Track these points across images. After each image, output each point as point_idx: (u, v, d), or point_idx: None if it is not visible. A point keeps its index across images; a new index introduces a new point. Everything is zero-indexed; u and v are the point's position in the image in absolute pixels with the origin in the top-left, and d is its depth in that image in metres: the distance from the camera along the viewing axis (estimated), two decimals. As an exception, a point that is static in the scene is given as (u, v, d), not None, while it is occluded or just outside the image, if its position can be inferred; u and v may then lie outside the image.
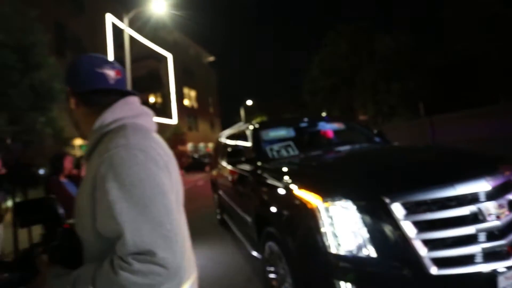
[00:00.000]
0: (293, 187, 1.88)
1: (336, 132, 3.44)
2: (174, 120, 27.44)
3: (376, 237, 1.47)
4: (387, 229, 1.47)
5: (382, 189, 1.55)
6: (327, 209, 1.57)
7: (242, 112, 32.11)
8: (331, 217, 1.55)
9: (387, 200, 1.48)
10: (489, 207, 1.56)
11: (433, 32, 15.35)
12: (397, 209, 1.47)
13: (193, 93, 33.87)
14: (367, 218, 1.49)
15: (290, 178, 2.04)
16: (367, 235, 1.47)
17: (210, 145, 33.94)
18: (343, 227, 1.52)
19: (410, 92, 14.08)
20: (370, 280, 1.46)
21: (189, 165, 21.90)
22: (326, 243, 1.53)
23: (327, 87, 19.32)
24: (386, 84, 15.18)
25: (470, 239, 1.51)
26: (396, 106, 15.08)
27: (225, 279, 3.10)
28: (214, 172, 5.39)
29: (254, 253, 2.83)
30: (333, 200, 1.57)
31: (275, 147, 2.93)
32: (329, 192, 1.63)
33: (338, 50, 18.60)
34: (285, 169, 2.30)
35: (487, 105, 8.87)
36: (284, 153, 2.87)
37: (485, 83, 12.87)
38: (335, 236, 1.52)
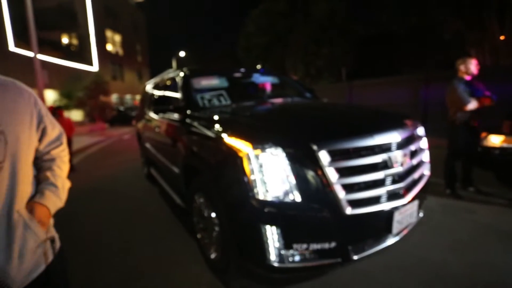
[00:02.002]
0: (224, 135, 1.80)
1: (269, 85, 3.40)
2: (94, 67, 23.94)
3: (302, 183, 1.52)
4: (312, 175, 1.53)
5: (310, 138, 1.58)
6: (256, 157, 1.54)
7: (174, 64, 29.74)
8: (260, 164, 1.53)
9: (315, 148, 1.52)
10: (397, 155, 1.76)
11: (363, 3, 16.17)
12: (323, 156, 1.53)
13: (117, 38, 29.60)
14: (295, 165, 1.52)
15: (220, 126, 1.94)
16: (293, 181, 1.51)
17: (138, 98, 31.11)
18: (272, 174, 1.52)
19: (336, 57, 15.04)
20: (294, 222, 1.53)
21: (114, 118, 19.91)
22: (255, 190, 1.53)
23: (262, 45, 19.13)
24: (317, 47, 15.79)
25: (379, 183, 1.70)
26: (323, 69, 16.00)
27: (149, 230, 3.00)
28: (140, 124, 4.95)
29: (183, 205, 2.76)
30: (263, 147, 1.55)
31: (207, 95, 2.75)
32: (259, 140, 1.59)
33: (275, 7, 18.18)
34: (216, 117, 2.18)
35: (396, 75, 10.10)
36: (215, 102, 2.72)
37: (397, 55, 14.57)
38: (264, 182, 1.53)
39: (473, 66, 3.33)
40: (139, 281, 2.19)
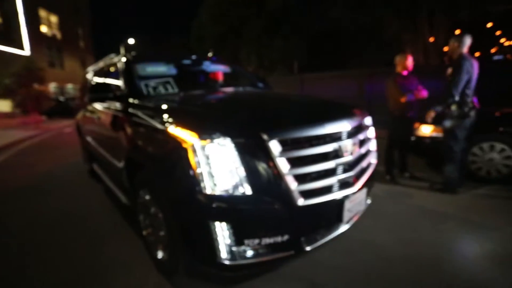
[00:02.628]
0: (168, 125, 1.63)
1: (221, 74, 3.25)
2: (26, 51, 21.12)
3: (252, 175, 1.44)
4: (263, 166, 1.45)
5: (261, 127, 1.50)
6: (203, 148, 1.41)
7: (122, 51, 27.59)
8: (207, 156, 1.41)
9: (265, 137, 1.45)
10: (347, 144, 1.77)
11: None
12: (274, 146, 1.46)
13: (54, 19, 26.37)
14: (245, 156, 1.43)
15: (165, 116, 1.76)
16: (243, 173, 1.42)
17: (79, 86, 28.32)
18: (220, 166, 1.41)
19: (289, 50, 15.35)
20: (245, 217, 1.45)
21: (52, 109, 17.86)
22: (202, 184, 1.41)
23: (215, 35, 18.67)
24: (270, 39, 15.92)
25: (330, 172, 1.69)
26: (276, 61, 16.23)
27: (91, 231, 2.70)
28: (80, 115, 4.44)
29: (127, 202, 2.52)
30: (210, 137, 1.42)
31: (152, 83, 2.52)
32: (206, 130, 1.47)
33: (228, -4, 17.79)
34: (160, 106, 1.98)
35: (343, 69, 10.71)
36: (161, 90, 2.50)
37: (345, 51, 15.46)
38: (211, 176, 1.41)
39: (409, 61, 3.61)
40: (80, 285, 1.94)
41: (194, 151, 1.42)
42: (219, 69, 3.19)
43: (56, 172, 5.04)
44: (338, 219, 1.78)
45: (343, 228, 1.85)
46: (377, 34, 13.22)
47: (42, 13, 24.61)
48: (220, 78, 3.15)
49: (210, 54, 3.33)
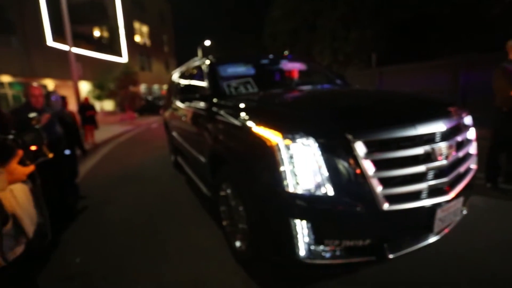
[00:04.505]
0: (252, 124, 1.72)
1: (298, 72, 3.25)
2: (124, 58, 24.72)
3: (335, 176, 1.42)
4: (347, 167, 1.42)
5: (345, 127, 1.46)
6: (287, 147, 1.45)
7: (200, 53, 29.96)
8: (291, 155, 1.44)
9: (350, 138, 1.41)
10: (442, 147, 1.59)
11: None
12: (359, 147, 1.41)
13: (145, 29, 30.24)
14: (328, 156, 1.42)
15: (248, 115, 1.86)
16: (326, 174, 1.41)
17: (165, 87, 31.76)
18: (303, 166, 1.43)
19: (366, 42, 14.16)
20: (325, 218, 1.45)
21: (143, 107, 20.57)
22: (284, 182, 1.45)
23: (288, 31, 18.55)
24: (346, 31, 14.98)
25: (420, 177, 1.55)
26: (351, 55, 15.18)
27: (176, 217, 3.05)
28: (167, 113, 5.01)
29: (209, 194, 2.76)
30: (294, 137, 1.45)
31: (233, 83, 2.68)
32: (290, 129, 1.50)
33: (302, -9, 17.46)
34: (243, 105, 2.10)
35: (431, 59, 9.30)
36: (242, 90, 2.64)
37: (434, 39, 13.45)
38: (294, 174, 1.44)
39: None
40: (165, 265, 2.22)
41: (278, 150, 1.47)
42: (296, 67, 3.20)
43: (147, 163, 5.81)
44: (427, 229, 1.62)
45: (432, 239, 1.68)
46: (476, 15, 11.20)
47: (136, 25, 28.40)
48: (297, 76, 3.16)
49: (286, 52, 3.36)
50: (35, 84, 3.09)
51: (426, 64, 8.76)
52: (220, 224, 2.47)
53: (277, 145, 1.47)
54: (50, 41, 16.91)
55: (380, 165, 1.44)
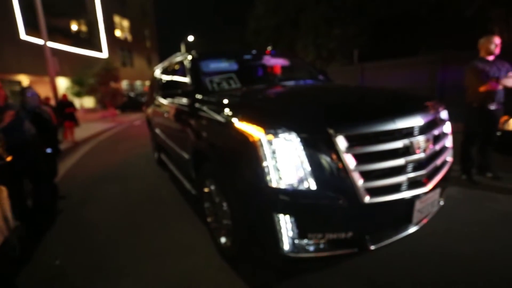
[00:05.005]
0: (234, 120, 1.71)
1: (280, 67, 3.25)
2: (104, 53, 23.94)
3: (317, 170, 1.43)
4: (329, 161, 1.43)
5: (327, 122, 1.48)
6: (269, 142, 1.45)
7: (183, 49, 29.45)
8: (273, 150, 1.45)
9: (332, 132, 1.42)
10: (420, 140, 1.64)
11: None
12: (341, 141, 1.43)
13: (125, 23, 29.36)
14: (310, 151, 1.43)
15: (231, 110, 1.84)
16: (308, 168, 1.42)
17: (148, 83, 31.04)
18: (285, 160, 1.44)
19: (348, 39, 14.41)
20: (309, 211, 1.46)
21: (124, 104, 20.06)
22: (267, 177, 1.45)
23: (271, 27, 18.57)
24: (329, 28, 15.17)
25: (399, 170, 1.59)
26: (334, 51, 15.41)
27: (160, 214, 3.00)
28: (150, 110, 4.91)
29: (193, 191, 2.73)
30: (276, 132, 1.45)
31: (216, 79, 2.65)
32: (272, 124, 1.50)
33: (285, -14, 17.49)
34: (226, 101, 2.08)
35: (410, 56, 9.56)
36: (225, 86, 2.62)
37: (412, 36, 13.84)
38: (277, 169, 1.44)
39: (495, 44, 3.11)
40: (150, 263, 2.19)
41: (260, 145, 1.46)
42: (279, 63, 3.20)
43: (130, 160, 5.68)
44: (406, 220, 1.68)
45: (412, 229, 1.73)
46: (453, 14, 11.60)
47: (117, 19, 27.51)
48: (280, 71, 3.16)
49: (269, 48, 3.35)
50: None
51: (406, 61, 8.98)
52: (204, 221, 2.46)
53: (260, 140, 1.47)
54: (23, 35, 16.10)
55: (361, 159, 1.47)
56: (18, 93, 4.64)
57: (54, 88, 9.67)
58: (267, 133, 1.46)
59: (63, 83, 17.89)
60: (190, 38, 30.40)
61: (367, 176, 1.48)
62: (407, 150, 1.61)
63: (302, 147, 1.43)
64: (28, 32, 16.11)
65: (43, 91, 10.51)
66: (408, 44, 13.75)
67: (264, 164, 1.46)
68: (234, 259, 2.06)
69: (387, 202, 1.54)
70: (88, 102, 21.03)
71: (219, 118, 1.91)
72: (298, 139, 1.43)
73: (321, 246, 1.52)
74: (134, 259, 2.27)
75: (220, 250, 2.19)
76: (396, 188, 1.59)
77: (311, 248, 1.51)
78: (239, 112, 1.76)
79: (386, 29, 14.43)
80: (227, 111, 1.87)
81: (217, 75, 2.71)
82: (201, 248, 2.33)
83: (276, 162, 1.44)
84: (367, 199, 1.47)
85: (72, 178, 4.78)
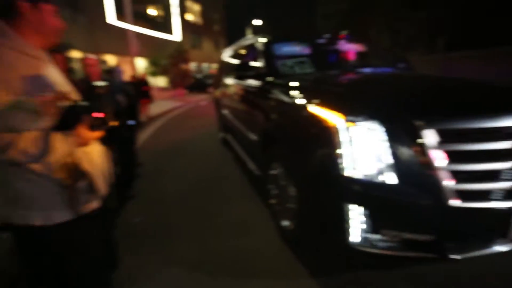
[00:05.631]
0: (310, 104, 1.67)
1: (356, 53, 3.05)
2: (176, 36, 25.58)
3: (399, 163, 1.33)
4: (414, 156, 1.32)
5: (416, 113, 1.35)
6: (348, 129, 1.39)
7: (249, 33, 29.75)
8: (351, 138, 1.38)
9: (421, 125, 1.29)
10: (529, 143, 1.39)
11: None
12: (431, 135, 1.29)
13: (197, 8, 30.76)
14: (393, 142, 1.33)
15: (306, 95, 1.81)
16: (389, 160, 1.33)
17: (214, 66, 32.46)
18: (364, 150, 1.36)
19: (433, 23, 12.60)
20: (386, 206, 1.38)
21: (192, 85, 21.35)
22: (341, 166, 1.40)
23: (343, 11, 17.39)
24: (411, 10, 13.48)
25: (498, 175, 1.38)
26: (414, 38, 13.69)
27: (223, 192, 3.17)
28: (218, 92, 5.13)
29: (256, 172, 2.81)
30: (357, 119, 1.38)
31: (289, 62, 2.61)
32: (353, 111, 1.42)
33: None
34: (300, 85, 2.04)
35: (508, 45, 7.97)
36: (298, 70, 2.57)
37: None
38: (353, 158, 1.38)
39: None
40: (214, 234, 2.35)
41: (338, 132, 1.41)
42: (354, 48, 3.01)
43: (197, 137, 6.09)
44: (500, 234, 1.46)
45: (506, 247, 1.50)
46: None
47: (188, 3, 28.94)
48: (355, 57, 2.97)
49: (344, 33, 3.16)
50: (90, 55, 3.27)
51: (504, 50, 7.61)
52: (266, 202, 2.52)
53: (338, 127, 1.42)
54: (111, 19, 18.10)
55: (452, 156, 1.31)
56: (106, 71, 5.32)
57: (133, 67, 10.76)
58: (347, 120, 1.40)
59: (141, 64, 19.77)
60: (256, 22, 30.51)
61: (458, 177, 1.32)
62: (508, 153, 1.38)
63: (384, 138, 1.33)
64: (117, 17, 18.08)
65: (125, 70, 11.80)
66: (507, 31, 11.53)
67: (340, 152, 1.40)
68: (295, 242, 2.07)
69: (479, 210, 1.36)
70: (161, 81, 22.94)
71: (293, 101, 1.90)
72: (382, 129, 1.33)
73: (393, 244, 1.43)
74: (201, 228, 2.45)
75: (281, 232, 2.22)
76: (492, 195, 1.39)
77: (382, 245, 1.43)
78: (315, 96, 1.72)
79: (482, 11, 12.25)
80: (301, 95, 1.84)
81: (290, 59, 2.68)
82: (261, 228, 2.40)
83: (353, 151, 1.38)
84: (455, 202, 1.31)
85: (147, 149, 5.33)
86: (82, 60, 3.10)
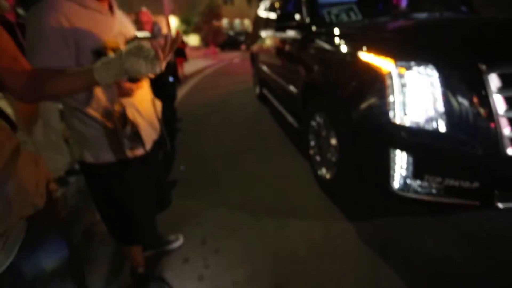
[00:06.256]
0: (358, 51, 1.62)
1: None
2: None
3: (454, 110, 1.29)
4: (472, 102, 1.27)
5: (478, 56, 1.27)
6: (400, 75, 1.35)
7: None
8: (403, 85, 1.35)
9: (484, 69, 1.22)
10: None
11: None
12: (493, 79, 1.22)
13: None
14: (450, 88, 1.28)
15: (354, 42, 1.75)
16: (442, 108, 1.30)
17: (246, 22, 31.23)
18: (417, 97, 1.34)
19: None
20: (432, 152, 1.37)
21: (224, 42, 20.94)
22: (391, 112, 1.39)
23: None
24: None
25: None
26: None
27: (261, 144, 3.29)
28: (255, 46, 5.03)
29: (295, 125, 2.85)
30: (409, 65, 1.33)
31: (334, 10, 2.47)
32: (404, 56, 1.37)
33: None
34: (347, 33, 1.96)
35: None
36: (344, 18, 2.43)
37: None
38: (403, 105, 1.36)
39: None
40: (256, 182, 2.50)
41: (388, 78, 1.38)
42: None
43: (232, 94, 6.17)
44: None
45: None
46: None
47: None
48: (406, 2, 2.71)
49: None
50: (144, 9, 3.26)
51: None
52: (306, 153, 2.58)
53: (388, 73, 1.38)
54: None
55: (513, 103, 1.24)
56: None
57: (168, 26, 10.73)
58: (398, 65, 1.36)
59: (173, 22, 19.56)
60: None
61: (517, 124, 1.27)
62: None
63: (440, 84, 1.29)
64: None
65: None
66: None
67: (390, 99, 1.39)
68: (334, 190, 2.16)
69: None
70: (193, 40, 22.73)
71: (339, 50, 1.84)
72: (437, 74, 1.28)
73: (437, 190, 1.44)
74: (241, 177, 2.62)
75: (320, 181, 2.31)
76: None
77: (425, 191, 1.46)
78: (364, 43, 1.65)
79: None
80: (350, 43, 1.78)
81: (335, 7, 2.52)
82: (301, 176, 2.50)
83: (404, 97, 1.36)
84: (510, 151, 1.28)
85: (186, 105, 5.54)
86: (136, 15, 2.98)
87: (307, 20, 2.51)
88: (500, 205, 1.42)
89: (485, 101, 1.24)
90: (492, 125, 1.26)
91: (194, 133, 3.91)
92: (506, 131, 1.25)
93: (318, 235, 1.81)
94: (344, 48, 1.80)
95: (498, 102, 1.23)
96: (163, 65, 0.80)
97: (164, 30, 10.17)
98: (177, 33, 0.79)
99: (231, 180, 2.58)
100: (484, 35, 1.58)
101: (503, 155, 1.27)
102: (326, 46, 2.02)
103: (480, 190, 1.39)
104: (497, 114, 1.24)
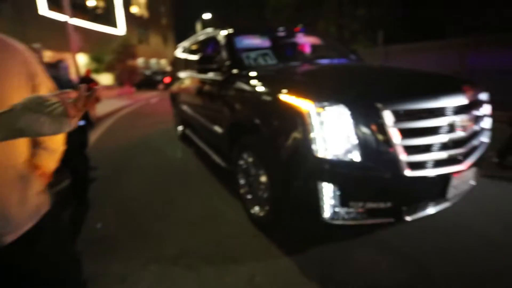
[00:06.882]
0: (280, 93, 1.77)
1: (312, 45, 3.24)
2: (121, 30, 23.90)
3: (363, 142, 1.50)
4: (375, 134, 1.49)
5: (375, 96, 1.53)
6: (318, 114, 1.51)
7: (199, 27, 29.04)
8: (321, 122, 1.51)
9: (380, 107, 1.47)
10: (462, 119, 1.67)
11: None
12: (388, 116, 1.48)
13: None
14: (357, 124, 1.49)
15: (275, 85, 1.90)
16: (354, 140, 1.49)
17: (163, 62, 31.10)
18: (333, 132, 1.50)
19: (374, 19, 13.93)
20: (353, 181, 1.54)
21: (141, 82, 20.22)
22: (314, 148, 1.52)
23: (293, 4, 18.11)
24: (353, 8, 14.68)
25: (440, 147, 1.64)
26: (357, 32, 14.99)
27: (189, 185, 3.15)
28: (175, 87, 5.00)
29: (223, 164, 2.84)
30: (325, 104, 1.51)
31: (252, 55, 2.68)
32: (321, 97, 1.55)
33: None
34: (267, 76, 2.14)
35: (438, 38, 9.13)
36: (261, 61, 2.66)
37: (445, 17, 13.15)
38: (324, 141, 1.51)
39: None
40: (187, 229, 2.33)
41: (309, 117, 1.53)
42: (311, 41, 3.19)
43: (152, 136, 5.86)
44: (441, 195, 1.73)
45: (445, 205, 1.80)
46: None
47: (133, -6, 27.21)
48: (312, 49, 3.15)
49: (299, 26, 3.32)
50: (36, 45, 2.88)
51: (433, 44, 8.63)
52: (235, 192, 2.57)
53: (309, 112, 1.53)
54: (44, 10, 16.21)
55: (405, 133, 1.52)
56: (50, 65, 4.74)
57: (75, 64, 9.85)
58: (316, 105, 1.52)
59: (82, 60, 18.10)
60: (206, 16, 29.92)
61: (410, 150, 1.54)
62: (449, 128, 1.65)
63: (350, 120, 1.48)
64: (50, 8, 16.20)
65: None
66: (439, 26, 13.07)
67: (312, 135, 1.53)
68: (268, 226, 2.17)
69: (426, 177, 1.60)
70: (106, 79, 21.30)
71: (263, 91, 1.97)
72: (347, 112, 1.48)
73: (361, 214, 1.60)
74: (171, 225, 2.41)
75: (252, 219, 2.30)
76: (436, 163, 1.64)
77: (351, 216, 1.60)
78: (284, 86, 1.81)
79: (414, 9, 13.76)
80: (271, 85, 1.93)
81: (253, 51, 2.74)
82: (233, 217, 2.46)
83: (323, 133, 1.51)
84: (408, 172, 1.53)
85: (100, 150, 4.99)
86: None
87: (227, 63, 2.65)
88: (408, 218, 1.67)
89: (385, 133, 1.49)
90: (392, 152, 1.50)
91: (112, 182, 3.49)
92: (402, 156, 1.50)
93: (262, 278, 1.75)
94: (265, 89, 1.94)
95: (394, 133, 1.49)
96: (74, 124, 0.64)
97: (72, 69, 9.27)
98: (95, 86, 0.67)
99: (159, 231, 2.34)
100: (378, 78, 1.93)
101: (403, 176, 1.52)
102: (249, 87, 2.14)
103: (392, 208, 1.61)
104: (394, 143, 1.48)
